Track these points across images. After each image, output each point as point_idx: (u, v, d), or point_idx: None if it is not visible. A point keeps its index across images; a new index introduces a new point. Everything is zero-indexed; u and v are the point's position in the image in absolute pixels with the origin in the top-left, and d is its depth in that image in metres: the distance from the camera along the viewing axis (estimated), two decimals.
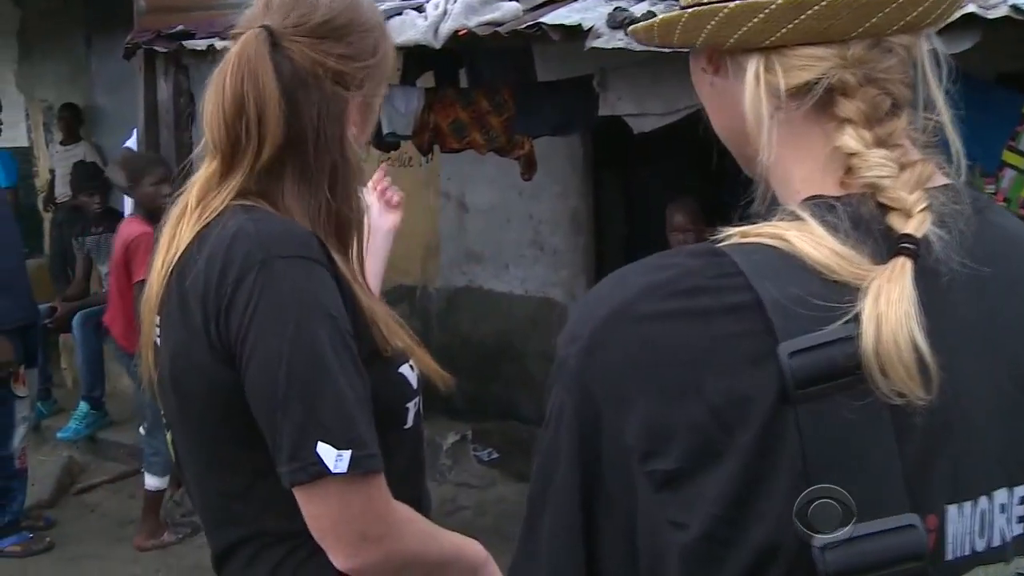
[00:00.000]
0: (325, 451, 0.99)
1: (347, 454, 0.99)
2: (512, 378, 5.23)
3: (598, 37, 3.25)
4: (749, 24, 0.65)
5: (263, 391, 1.01)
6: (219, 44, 3.73)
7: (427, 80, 4.36)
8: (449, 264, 5.59)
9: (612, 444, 0.63)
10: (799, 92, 0.66)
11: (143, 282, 4.05)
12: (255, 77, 1.05)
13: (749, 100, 0.68)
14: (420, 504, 1.19)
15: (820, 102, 0.66)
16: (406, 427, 1.17)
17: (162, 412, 1.22)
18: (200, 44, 3.76)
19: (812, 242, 0.61)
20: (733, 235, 0.65)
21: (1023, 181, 3.07)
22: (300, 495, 1.02)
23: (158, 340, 1.13)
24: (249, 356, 1.01)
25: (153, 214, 3.85)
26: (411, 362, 1.17)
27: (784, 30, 0.64)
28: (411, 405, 1.17)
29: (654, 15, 3.42)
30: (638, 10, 3.28)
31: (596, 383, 0.63)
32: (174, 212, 1.14)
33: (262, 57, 1.06)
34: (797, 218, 0.63)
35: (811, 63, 0.65)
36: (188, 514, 4.22)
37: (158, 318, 1.13)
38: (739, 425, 0.58)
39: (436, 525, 1.17)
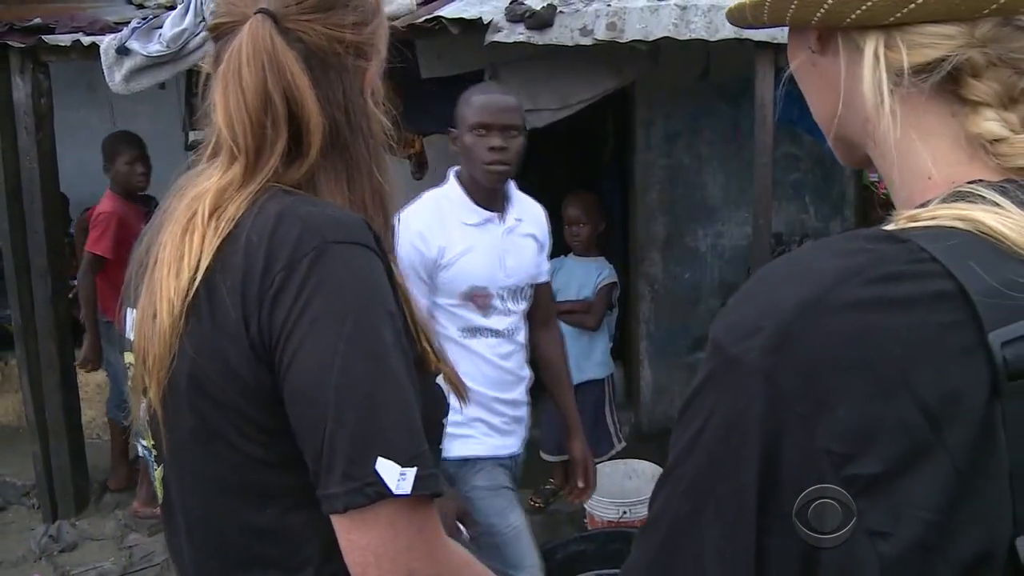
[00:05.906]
0: (386, 468, 0.83)
1: (411, 472, 0.84)
2: None
3: (498, 31, 3.23)
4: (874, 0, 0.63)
5: (310, 394, 0.85)
6: (85, 40, 3.46)
7: None
8: None
9: (798, 451, 0.56)
10: (922, 71, 0.64)
11: (97, 256, 3.80)
12: (279, 70, 0.92)
13: (868, 79, 0.65)
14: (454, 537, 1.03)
15: (943, 82, 0.65)
16: (439, 447, 1.04)
17: (151, 444, 1.02)
18: (64, 39, 3.46)
19: (1012, 224, 0.57)
20: (899, 219, 0.61)
21: None
22: (347, 523, 0.85)
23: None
24: (294, 353, 0.85)
25: (128, 192, 4.05)
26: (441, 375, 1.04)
27: (912, 6, 0.63)
28: (445, 422, 1.04)
29: (553, 8, 3.44)
30: (535, 3, 3.28)
31: (789, 382, 0.56)
32: (174, 229, 0.94)
33: (280, 46, 0.92)
34: (980, 199, 0.60)
35: (938, 41, 0.63)
36: (66, 549, 3.90)
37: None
38: (948, 422, 0.54)
39: (486, 567, 1.00)
